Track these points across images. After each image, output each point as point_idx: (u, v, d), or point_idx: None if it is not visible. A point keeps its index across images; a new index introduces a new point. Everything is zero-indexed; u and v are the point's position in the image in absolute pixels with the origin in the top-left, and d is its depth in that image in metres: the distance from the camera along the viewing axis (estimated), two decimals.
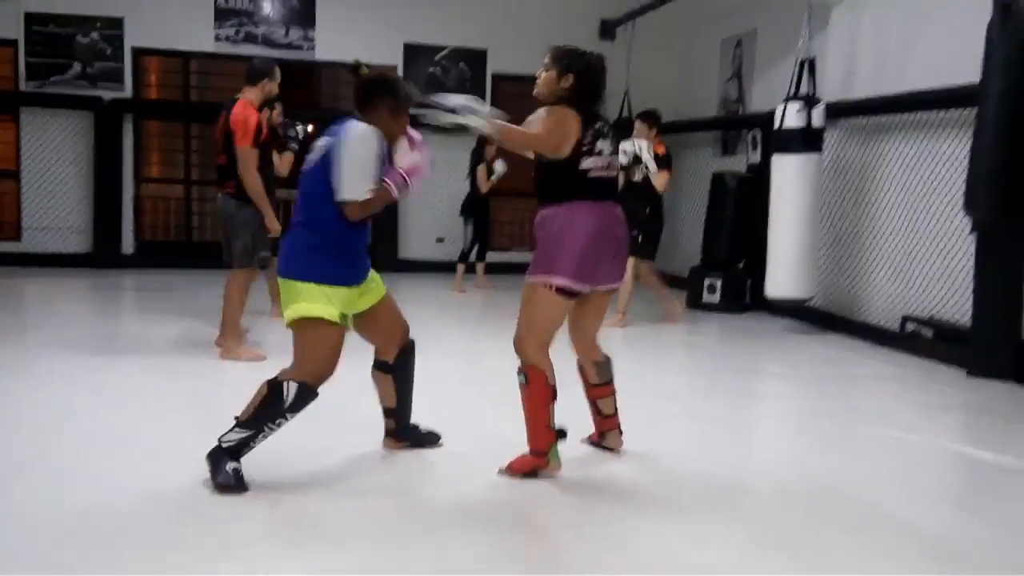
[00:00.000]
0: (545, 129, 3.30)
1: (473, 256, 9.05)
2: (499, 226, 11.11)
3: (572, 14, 10.62)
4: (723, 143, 9.55)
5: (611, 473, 3.52)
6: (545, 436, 3.34)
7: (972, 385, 5.37)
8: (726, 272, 8.21)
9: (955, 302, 6.04)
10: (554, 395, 3.35)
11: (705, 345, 6.89)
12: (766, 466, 3.83)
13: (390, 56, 10.38)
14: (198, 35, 9.88)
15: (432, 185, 10.37)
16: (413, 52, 10.46)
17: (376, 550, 2.73)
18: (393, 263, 9.96)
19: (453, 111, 3.26)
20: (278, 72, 5.43)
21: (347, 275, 3.19)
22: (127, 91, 9.80)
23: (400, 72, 10.43)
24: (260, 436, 3.12)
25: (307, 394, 3.12)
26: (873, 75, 7.02)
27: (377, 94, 3.26)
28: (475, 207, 8.90)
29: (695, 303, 8.18)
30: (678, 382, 5.55)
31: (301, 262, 3.16)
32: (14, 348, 5.55)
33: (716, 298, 8.12)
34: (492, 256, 10.62)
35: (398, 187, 3.20)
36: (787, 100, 6.67)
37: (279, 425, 3.13)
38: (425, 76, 10.52)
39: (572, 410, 3.56)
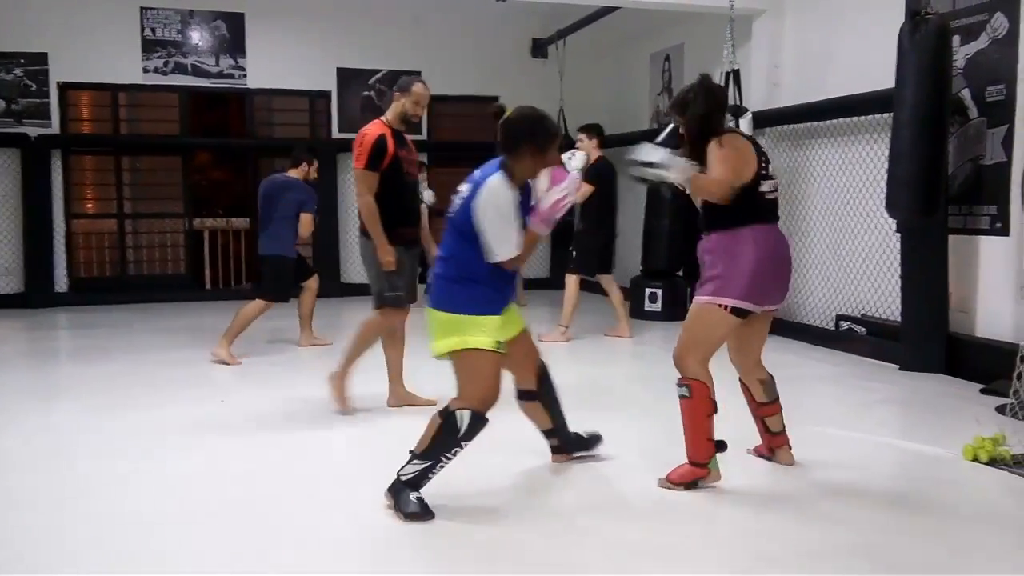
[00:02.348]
0: (724, 168, 3.35)
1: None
2: None
3: (503, 34, 10.75)
4: None
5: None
6: (706, 448, 3.42)
7: (904, 379, 5.55)
8: (666, 281, 8.35)
9: (885, 300, 6.25)
10: (715, 408, 3.44)
11: (650, 354, 6.98)
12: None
13: (324, 81, 10.37)
14: (126, 67, 9.74)
15: None
16: (347, 76, 10.46)
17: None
18: (338, 288, 9.91)
19: (654, 166, 3.35)
20: (417, 90, 4.68)
21: (495, 304, 3.27)
22: (54, 127, 9.61)
23: (335, 97, 10.44)
24: (438, 466, 3.17)
25: (479, 421, 3.18)
26: (796, 83, 7.24)
27: (522, 136, 3.24)
28: None
29: (638, 313, 8.29)
30: (628, 390, 5.62)
31: (451, 295, 3.23)
32: None
33: (658, 307, 8.26)
34: None
35: (545, 225, 3.26)
36: None
37: (455, 454, 3.19)
38: (360, 100, 10.53)
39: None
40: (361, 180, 4.59)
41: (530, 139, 3.22)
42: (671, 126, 3.74)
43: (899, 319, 5.91)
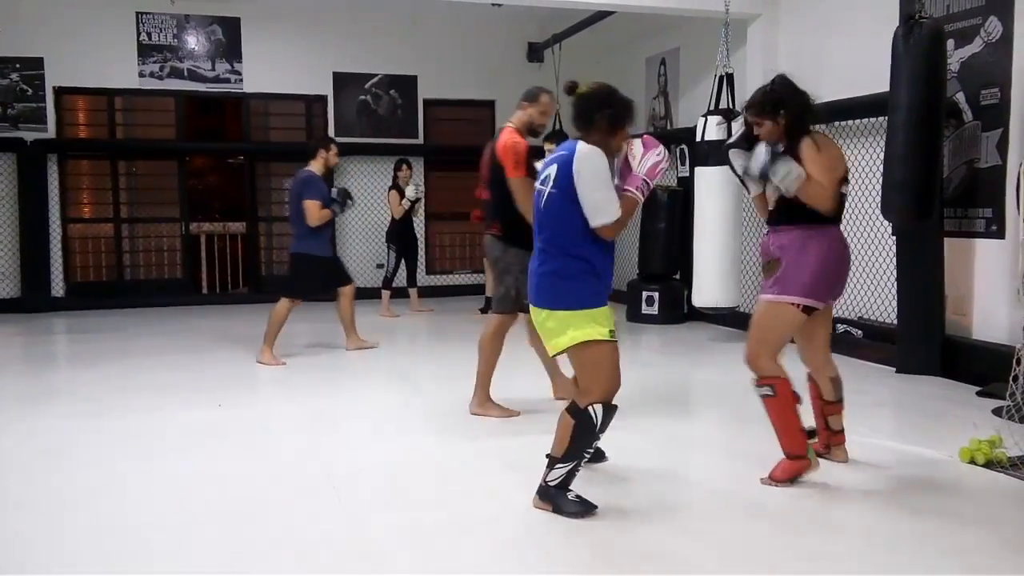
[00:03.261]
0: (830, 177, 3.43)
1: (403, 281, 9.08)
2: (440, 249, 11.15)
3: (499, 39, 10.79)
4: None
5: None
6: (801, 439, 3.48)
7: (901, 382, 5.56)
8: (663, 284, 8.37)
9: (882, 303, 6.26)
10: (799, 398, 3.50)
11: (645, 358, 6.99)
12: (707, 474, 3.92)
13: (320, 86, 10.39)
14: (121, 72, 9.76)
15: (366, 212, 10.38)
16: (343, 80, 10.48)
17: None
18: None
19: (765, 176, 3.43)
20: (545, 100, 4.72)
21: (602, 296, 3.25)
22: (50, 131, 9.61)
23: (331, 101, 10.45)
24: (581, 463, 3.22)
25: (610, 411, 3.21)
26: None
27: (596, 109, 3.25)
28: (396, 233, 8.94)
29: (635, 316, 8.31)
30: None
31: (560, 293, 3.20)
32: None
33: (655, 310, 8.28)
34: (433, 279, 10.67)
35: (641, 192, 3.23)
36: (707, 114, 6.85)
37: (593, 448, 3.26)
38: (356, 104, 10.55)
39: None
40: (525, 190, 4.31)
41: (604, 112, 3.22)
42: (743, 127, 3.74)
43: (895, 322, 5.93)
